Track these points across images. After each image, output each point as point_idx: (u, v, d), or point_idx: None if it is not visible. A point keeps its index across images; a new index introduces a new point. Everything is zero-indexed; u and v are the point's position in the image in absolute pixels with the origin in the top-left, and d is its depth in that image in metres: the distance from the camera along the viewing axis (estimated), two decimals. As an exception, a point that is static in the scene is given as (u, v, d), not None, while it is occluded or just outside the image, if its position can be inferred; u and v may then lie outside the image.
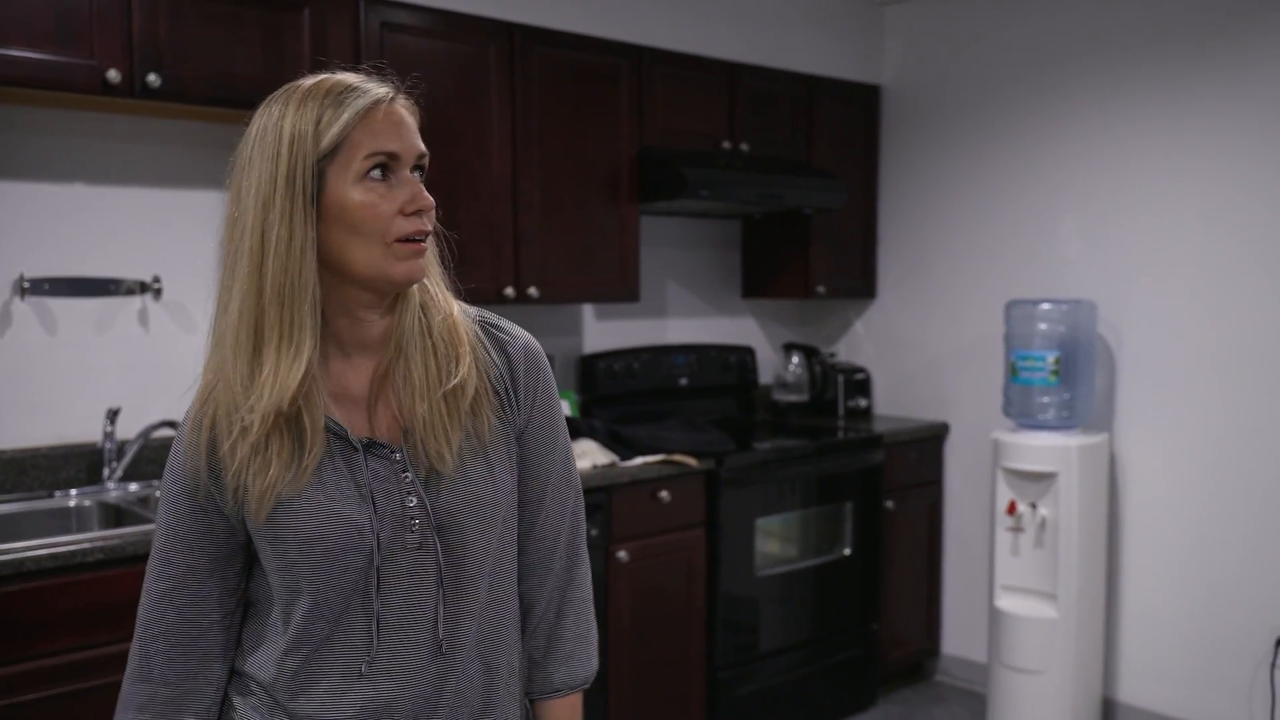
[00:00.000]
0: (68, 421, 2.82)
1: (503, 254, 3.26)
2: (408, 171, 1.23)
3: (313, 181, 1.19)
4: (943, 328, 4.27)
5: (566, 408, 3.47)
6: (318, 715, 1.26)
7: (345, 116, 1.19)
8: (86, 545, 2.27)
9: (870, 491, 3.93)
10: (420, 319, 1.28)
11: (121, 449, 2.85)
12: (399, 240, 1.21)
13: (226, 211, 1.23)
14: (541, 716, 1.43)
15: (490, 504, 1.30)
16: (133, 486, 2.83)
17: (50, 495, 2.73)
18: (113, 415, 2.81)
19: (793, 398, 4.36)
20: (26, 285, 2.71)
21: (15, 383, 2.75)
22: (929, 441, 4.20)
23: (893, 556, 4.05)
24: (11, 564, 2.18)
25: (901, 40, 4.34)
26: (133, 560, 2.31)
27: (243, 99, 2.67)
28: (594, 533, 3.09)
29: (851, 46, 4.27)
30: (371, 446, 1.26)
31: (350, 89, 1.21)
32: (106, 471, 2.81)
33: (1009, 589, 3.68)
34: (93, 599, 2.27)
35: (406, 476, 1.26)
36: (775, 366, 4.47)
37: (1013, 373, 3.69)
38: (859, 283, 4.39)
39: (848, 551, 3.88)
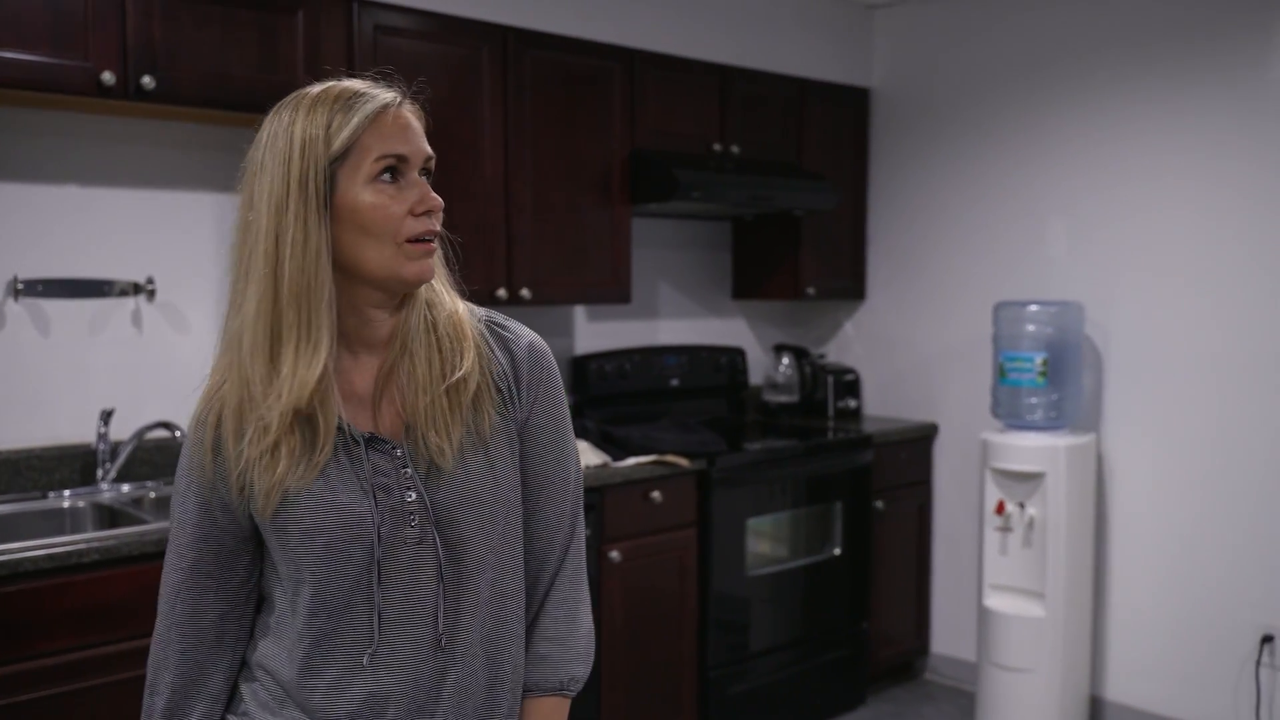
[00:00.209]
0: (61, 422, 2.83)
1: (495, 255, 3.27)
2: (416, 174, 1.26)
3: (325, 184, 1.21)
4: (932, 329, 4.29)
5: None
6: (323, 705, 1.28)
7: (355, 121, 1.22)
8: (83, 546, 2.28)
9: (860, 492, 3.95)
10: (426, 316, 1.31)
11: (115, 450, 2.85)
12: (410, 240, 1.24)
13: (239, 216, 1.25)
14: (522, 714, 1.42)
15: (490, 501, 1.31)
16: (126, 487, 2.84)
17: (44, 496, 2.73)
18: (106, 416, 2.81)
19: (783, 398, 4.39)
20: (20, 286, 2.71)
21: (9, 384, 2.75)
22: (918, 442, 4.23)
23: (882, 556, 4.07)
24: (8, 565, 2.18)
25: (891, 43, 4.36)
26: (128, 561, 2.32)
27: (237, 101, 2.69)
28: (586, 533, 3.09)
29: (841, 49, 4.29)
30: (373, 442, 1.28)
31: (359, 94, 1.24)
32: (100, 472, 2.82)
33: (997, 588, 3.71)
34: (89, 600, 2.28)
35: (407, 472, 1.28)
36: (765, 367, 4.49)
37: (1001, 374, 3.72)
38: (849, 284, 4.42)
39: (838, 551, 3.90)
